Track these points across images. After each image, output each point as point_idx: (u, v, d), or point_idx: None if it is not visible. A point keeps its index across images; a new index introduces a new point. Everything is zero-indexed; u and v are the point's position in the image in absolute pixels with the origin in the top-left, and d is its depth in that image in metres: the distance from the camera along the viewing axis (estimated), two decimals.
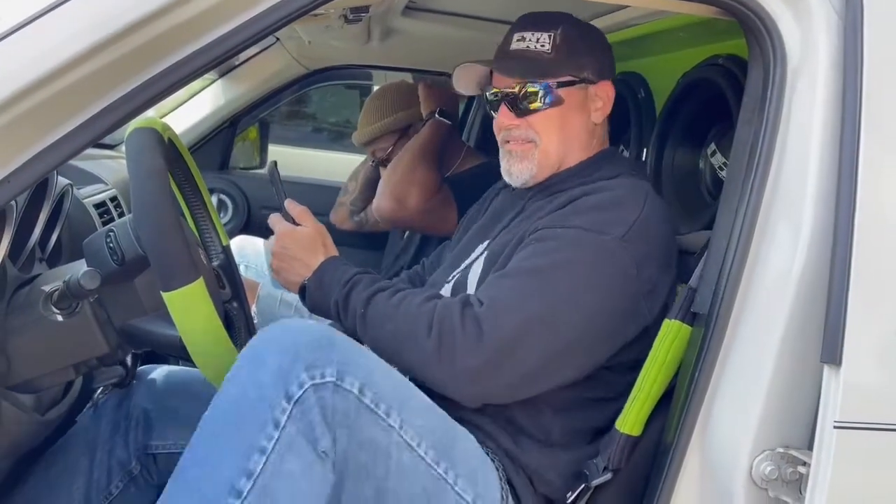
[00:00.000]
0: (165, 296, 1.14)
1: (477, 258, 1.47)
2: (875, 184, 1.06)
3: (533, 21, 1.46)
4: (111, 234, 1.22)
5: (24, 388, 1.25)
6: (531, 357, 1.22)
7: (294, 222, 1.46)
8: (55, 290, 1.22)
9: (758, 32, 1.14)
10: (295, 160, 3.92)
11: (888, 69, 1.10)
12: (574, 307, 1.23)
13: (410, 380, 1.26)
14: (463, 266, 1.50)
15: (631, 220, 1.28)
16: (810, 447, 1.09)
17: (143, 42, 0.96)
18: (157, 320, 1.27)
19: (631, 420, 1.21)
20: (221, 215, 2.85)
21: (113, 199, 2.10)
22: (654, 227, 1.30)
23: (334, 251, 1.44)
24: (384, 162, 2.37)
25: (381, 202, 2.21)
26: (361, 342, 1.30)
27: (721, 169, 1.85)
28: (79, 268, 1.29)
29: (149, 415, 1.48)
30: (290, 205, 1.48)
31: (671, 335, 1.20)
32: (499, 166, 2.31)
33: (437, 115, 2.24)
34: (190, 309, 1.15)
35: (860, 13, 1.09)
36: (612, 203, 1.31)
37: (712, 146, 1.90)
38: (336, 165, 4.08)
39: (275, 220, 1.49)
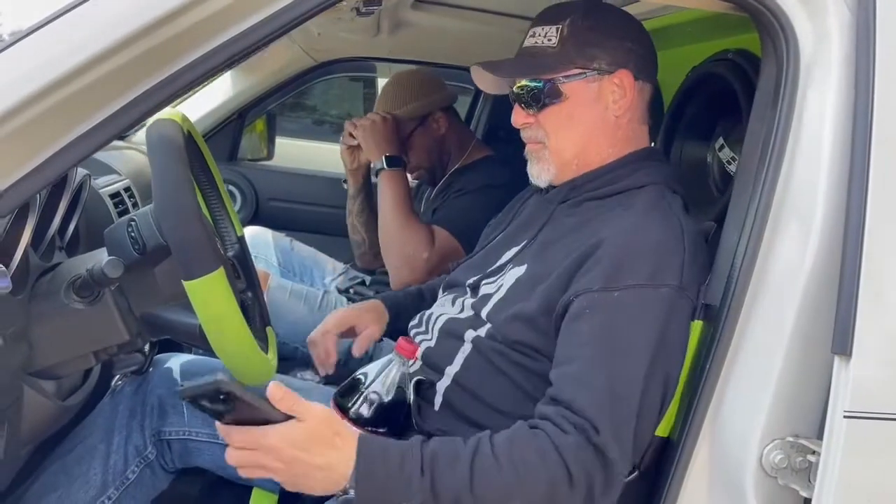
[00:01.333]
0: (186, 284, 1.16)
1: (504, 266, 1.43)
2: (886, 178, 1.08)
3: (546, 15, 1.44)
4: (133, 223, 1.24)
5: (46, 375, 1.27)
6: (648, 427, 1.20)
7: (260, 421, 1.05)
8: (77, 279, 1.24)
9: (772, 29, 1.16)
10: (296, 152, 3.94)
11: None
12: (662, 369, 1.19)
13: None
14: (488, 270, 1.46)
15: (678, 263, 1.22)
16: (819, 436, 1.12)
17: (162, 40, 0.97)
18: (176, 309, 1.29)
19: (664, 424, 1.22)
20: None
21: (127, 189, 2.12)
22: (700, 259, 1.27)
23: (351, 432, 1.12)
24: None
25: (392, 278, 2.13)
26: None
27: (730, 163, 1.87)
28: (100, 256, 1.31)
29: (163, 401, 1.50)
30: (275, 394, 1.05)
31: (695, 336, 1.21)
32: (503, 159, 2.36)
33: (385, 167, 2.15)
34: (210, 298, 1.17)
35: (873, 10, 1.11)
36: (655, 249, 1.23)
37: (720, 140, 1.92)
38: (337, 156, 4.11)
39: (246, 437, 1.06)
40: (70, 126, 0.98)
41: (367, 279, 2.41)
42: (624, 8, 1.84)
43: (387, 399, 1.26)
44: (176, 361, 1.55)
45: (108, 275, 1.15)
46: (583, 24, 1.38)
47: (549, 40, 1.40)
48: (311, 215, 2.78)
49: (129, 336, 1.28)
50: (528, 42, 1.44)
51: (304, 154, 3.90)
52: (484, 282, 1.45)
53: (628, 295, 1.19)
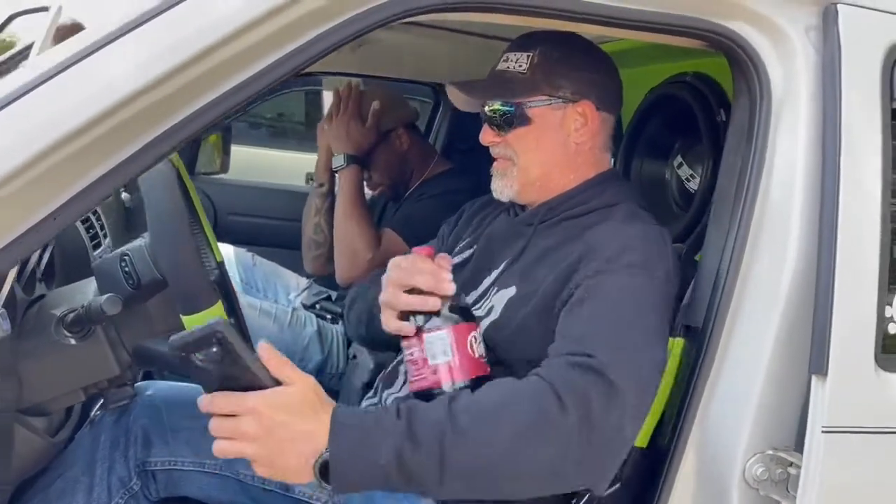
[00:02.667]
0: (187, 319, 1.17)
1: (488, 291, 1.46)
2: (854, 208, 1.17)
3: (520, 41, 1.51)
4: (126, 258, 1.23)
5: (35, 412, 1.25)
6: (653, 388, 1.19)
7: (246, 388, 1.02)
8: (67, 314, 1.23)
9: (745, 67, 1.23)
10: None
11: (864, 100, 1.20)
12: (659, 343, 1.22)
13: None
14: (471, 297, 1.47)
15: (665, 258, 1.29)
16: (795, 448, 1.20)
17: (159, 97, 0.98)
18: None
19: (642, 434, 1.27)
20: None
21: (94, 212, 2.08)
22: (678, 266, 1.33)
23: (330, 400, 1.08)
24: None
25: (336, 272, 2.18)
26: (447, 495, 1.09)
27: (688, 180, 1.95)
28: (86, 290, 1.30)
29: (148, 431, 1.48)
30: (263, 352, 1.03)
31: (675, 352, 1.28)
32: (463, 172, 2.40)
33: (346, 164, 2.20)
34: None
35: (838, 50, 1.20)
36: (645, 242, 1.30)
37: (678, 158, 2.00)
38: (275, 162, 4.07)
39: (226, 402, 1.02)
40: (69, 184, 0.97)
41: (333, 294, 2.41)
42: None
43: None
44: (159, 389, 1.53)
45: (106, 312, 1.15)
46: (552, 54, 1.46)
47: (521, 66, 1.47)
48: (271, 229, 2.77)
49: (119, 370, 1.27)
50: (501, 66, 1.51)
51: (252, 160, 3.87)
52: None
53: (624, 274, 1.25)
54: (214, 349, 0.95)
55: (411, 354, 1.21)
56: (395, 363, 1.51)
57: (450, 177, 2.35)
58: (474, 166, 2.51)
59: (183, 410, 1.50)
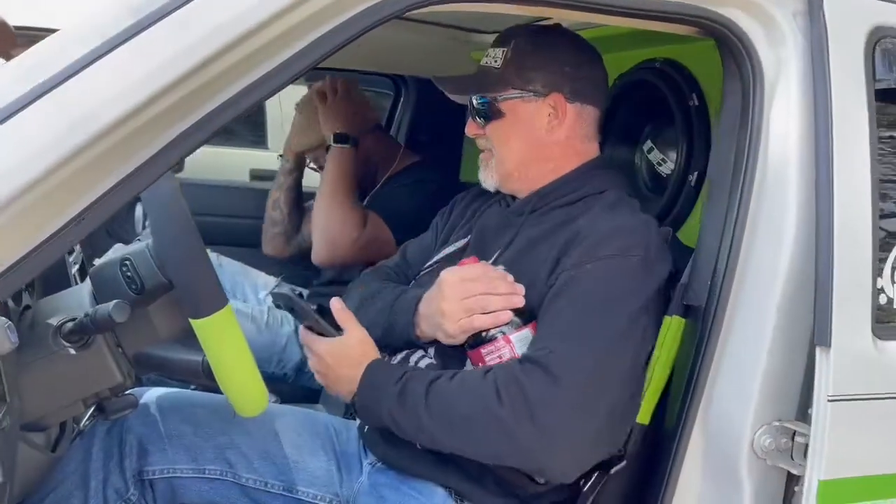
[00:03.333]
0: (196, 323, 1.14)
1: None
2: (847, 184, 1.22)
3: (500, 37, 1.55)
4: (127, 262, 1.19)
5: (34, 426, 1.20)
6: (612, 389, 1.24)
7: (321, 333, 1.38)
8: (64, 323, 1.18)
9: (737, 53, 1.27)
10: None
11: (850, 81, 1.25)
12: (630, 327, 1.27)
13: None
14: None
15: (645, 242, 1.33)
16: (798, 418, 1.25)
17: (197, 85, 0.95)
18: (173, 347, 1.26)
19: (644, 410, 1.32)
20: (147, 224, 2.76)
21: None
22: (663, 249, 1.37)
23: (376, 354, 1.39)
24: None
25: (315, 251, 2.17)
26: (426, 444, 1.31)
27: (660, 164, 2.00)
28: (79, 296, 1.26)
29: (143, 439, 1.44)
30: (334, 304, 1.40)
31: (672, 330, 1.31)
32: (431, 162, 2.41)
33: (333, 143, 2.20)
34: (221, 335, 1.15)
35: (825, 34, 1.24)
36: (625, 229, 1.35)
37: (648, 143, 2.05)
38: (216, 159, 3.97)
39: (308, 337, 1.40)
40: (87, 190, 0.93)
41: (304, 292, 2.38)
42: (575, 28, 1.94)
43: None
44: (151, 396, 1.49)
45: (115, 319, 1.10)
46: (524, 48, 1.49)
47: (496, 61, 1.51)
48: (233, 228, 2.70)
49: (121, 378, 1.23)
50: (483, 61, 1.56)
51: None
52: None
53: (600, 265, 1.30)
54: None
55: (500, 357, 1.30)
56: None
57: (419, 169, 2.36)
58: (441, 155, 2.55)
59: (180, 416, 1.47)
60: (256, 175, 4.42)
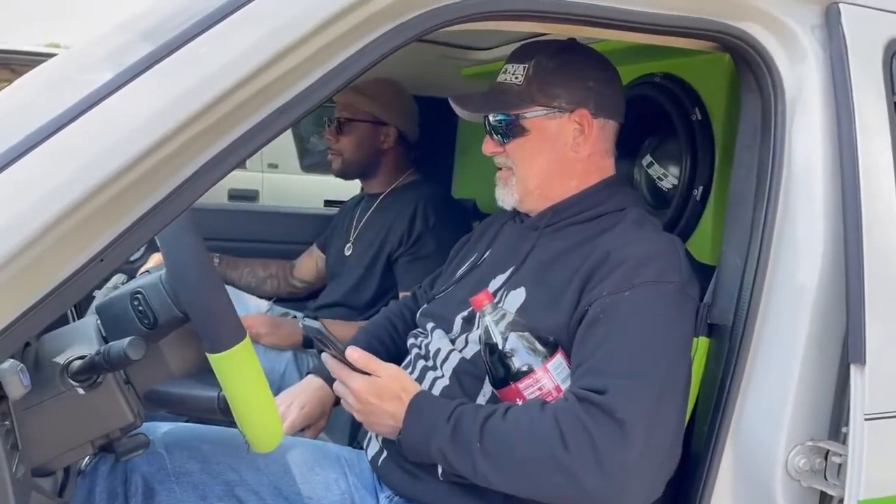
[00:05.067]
0: (214, 358, 1.09)
1: (496, 295, 1.45)
2: (875, 198, 1.21)
3: (518, 53, 1.51)
4: (139, 295, 1.13)
5: (40, 471, 1.13)
6: (671, 422, 1.22)
7: (353, 367, 1.33)
8: (72, 361, 1.12)
9: (756, 68, 1.25)
10: None
11: (871, 94, 1.24)
12: (679, 357, 1.25)
13: None
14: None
15: (678, 266, 1.31)
16: (831, 437, 1.23)
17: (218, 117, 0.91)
18: (186, 382, 1.20)
19: None
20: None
21: None
22: (691, 268, 1.34)
23: (415, 387, 1.34)
24: (331, 122, 2.38)
25: None
26: (479, 483, 1.25)
27: (660, 179, 1.98)
28: (85, 331, 1.20)
29: (149, 479, 1.38)
30: (352, 355, 1.33)
31: (700, 351, 1.29)
32: (428, 182, 2.39)
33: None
34: (240, 369, 1.10)
35: (844, 47, 1.23)
36: (658, 254, 1.32)
37: (648, 158, 2.03)
38: None
39: (340, 372, 1.35)
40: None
41: (299, 315, 2.33)
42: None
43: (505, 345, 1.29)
44: (157, 432, 1.43)
45: (131, 357, 1.04)
46: (547, 65, 1.46)
47: (517, 78, 1.47)
48: (212, 249, 2.62)
49: (132, 417, 1.17)
50: (500, 78, 1.51)
51: None
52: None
53: (638, 293, 1.26)
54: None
55: (540, 389, 1.26)
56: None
57: (416, 187, 2.37)
58: (432, 173, 2.53)
59: (186, 452, 1.41)
60: (235, 195, 4.35)
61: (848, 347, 1.17)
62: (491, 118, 1.47)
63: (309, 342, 2.12)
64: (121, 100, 0.84)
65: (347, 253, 2.37)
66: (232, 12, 0.90)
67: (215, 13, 0.90)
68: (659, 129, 1.96)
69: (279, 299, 2.44)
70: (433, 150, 2.62)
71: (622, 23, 1.21)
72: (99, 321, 1.17)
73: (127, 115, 0.84)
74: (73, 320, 1.42)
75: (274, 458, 1.44)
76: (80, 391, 1.11)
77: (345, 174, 2.43)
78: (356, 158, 2.37)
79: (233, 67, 0.89)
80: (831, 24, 1.25)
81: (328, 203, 3.62)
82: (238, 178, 4.55)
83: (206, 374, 1.16)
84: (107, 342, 1.13)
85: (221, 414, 1.17)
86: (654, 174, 2.01)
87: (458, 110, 1.52)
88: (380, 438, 1.47)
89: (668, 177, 1.96)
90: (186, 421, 1.61)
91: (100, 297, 1.26)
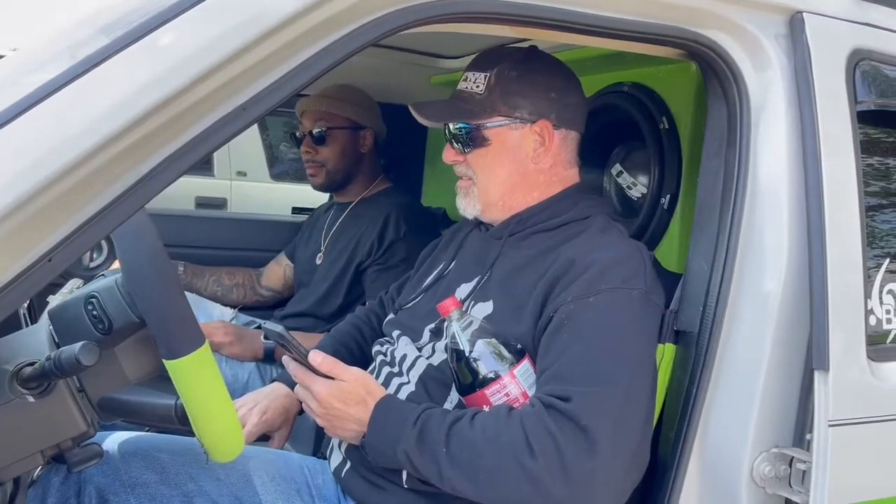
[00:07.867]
0: (172, 364, 1.05)
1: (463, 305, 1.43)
2: (838, 206, 1.21)
3: (479, 61, 1.49)
4: (93, 300, 1.09)
5: None
6: (636, 429, 1.20)
7: (317, 372, 1.30)
8: (22, 368, 1.08)
9: (723, 76, 1.26)
10: None
11: (834, 103, 1.25)
12: (644, 363, 1.24)
13: None
14: None
15: (643, 272, 1.30)
16: (795, 444, 1.23)
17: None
18: (142, 390, 1.16)
19: None
20: (95, 256, 2.62)
21: None
22: (657, 276, 1.34)
23: (381, 391, 1.32)
24: (302, 137, 2.34)
25: None
26: (445, 490, 1.24)
27: (630, 188, 1.99)
28: (35, 337, 1.16)
29: (103, 489, 1.34)
30: (315, 359, 1.29)
31: (666, 358, 1.28)
32: (400, 191, 2.38)
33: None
34: (199, 375, 1.07)
35: (808, 56, 1.24)
36: (623, 260, 1.31)
37: (617, 167, 2.04)
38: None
39: (303, 376, 1.31)
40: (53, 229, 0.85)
41: (263, 323, 2.29)
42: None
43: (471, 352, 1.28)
44: (112, 442, 1.39)
45: (83, 363, 1.01)
46: (509, 74, 1.44)
47: (478, 87, 1.45)
48: (178, 257, 2.58)
49: (85, 426, 1.13)
50: (461, 86, 1.49)
51: None
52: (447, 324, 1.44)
53: (603, 299, 1.26)
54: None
55: (507, 395, 1.25)
56: None
57: (388, 195, 2.36)
58: (401, 181, 2.52)
59: (143, 462, 1.38)
60: (202, 203, 4.29)
61: (812, 354, 1.17)
62: (451, 127, 1.45)
63: (271, 355, 2.09)
64: (72, 93, 0.81)
65: (318, 262, 2.34)
66: (194, 5, 0.88)
67: (177, 6, 0.88)
68: (628, 138, 1.97)
69: (245, 308, 2.40)
70: (403, 157, 2.60)
71: (589, 28, 1.21)
72: (52, 326, 1.13)
73: (79, 109, 0.81)
74: (26, 326, 1.38)
75: (234, 467, 1.41)
76: (30, 399, 1.07)
77: (329, 186, 2.38)
78: (341, 167, 2.33)
79: (194, 61, 0.87)
80: (795, 34, 1.26)
81: (296, 210, 3.58)
82: (206, 186, 4.50)
83: (163, 381, 1.13)
84: (59, 348, 1.10)
85: (179, 422, 1.14)
86: (624, 183, 2.01)
87: (417, 117, 1.49)
88: (343, 449, 1.44)
89: (638, 185, 1.97)
90: (146, 430, 1.57)
91: (54, 301, 1.22)
